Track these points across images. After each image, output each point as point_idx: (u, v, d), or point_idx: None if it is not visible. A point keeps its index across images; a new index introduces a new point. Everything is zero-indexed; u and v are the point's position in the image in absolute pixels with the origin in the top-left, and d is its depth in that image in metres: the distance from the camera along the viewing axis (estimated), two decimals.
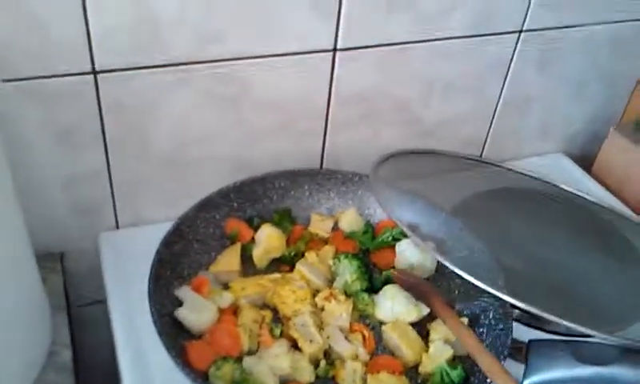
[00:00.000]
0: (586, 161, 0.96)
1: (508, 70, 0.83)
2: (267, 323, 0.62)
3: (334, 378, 0.59)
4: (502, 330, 0.61)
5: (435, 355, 0.60)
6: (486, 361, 0.57)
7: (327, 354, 0.61)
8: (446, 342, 0.62)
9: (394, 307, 0.64)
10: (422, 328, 0.64)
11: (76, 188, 0.69)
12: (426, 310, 0.65)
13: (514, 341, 0.60)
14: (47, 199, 0.68)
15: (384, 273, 0.69)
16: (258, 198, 0.73)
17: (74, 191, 0.69)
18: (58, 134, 0.65)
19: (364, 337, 0.63)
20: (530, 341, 0.61)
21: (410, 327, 0.64)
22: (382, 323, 0.65)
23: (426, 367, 0.60)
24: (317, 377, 0.59)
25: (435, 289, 0.67)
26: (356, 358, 0.61)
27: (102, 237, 0.72)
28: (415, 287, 0.66)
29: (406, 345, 0.61)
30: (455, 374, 0.58)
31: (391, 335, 0.62)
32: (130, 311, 0.63)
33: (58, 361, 0.60)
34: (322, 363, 0.60)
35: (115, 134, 0.67)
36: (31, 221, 0.57)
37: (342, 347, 0.61)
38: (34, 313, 0.59)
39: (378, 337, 0.64)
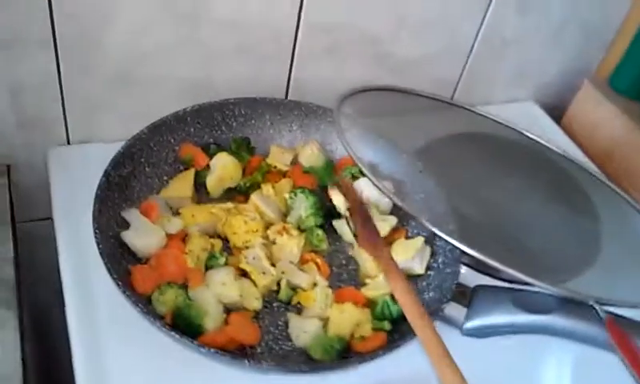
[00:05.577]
0: (557, 111, 0.95)
1: (488, 7, 0.80)
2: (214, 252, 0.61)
3: (298, 303, 0.60)
4: (448, 273, 0.62)
5: (381, 284, 0.61)
6: (411, 310, 0.54)
7: (279, 286, 0.61)
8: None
9: None
10: None
11: (25, 97, 0.65)
12: (394, 221, 0.66)
13: (461, 285, 0.61)
14: None
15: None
16: (217, 124, 0.71)
17: (22, 100, 0.65)
18: (2, 35, 0.60)
19: (317, 265, 0.63)
20: (475, 286, 0.62)
21: None
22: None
23: (369, 292, 0.61)
24: (279, 301, 0.60)
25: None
26: (314, 285, 0.61)
27: (52, 152, 0.69)
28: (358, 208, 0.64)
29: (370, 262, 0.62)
30: (396, 309, 0.58)
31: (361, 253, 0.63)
32: (76, 230, 0.62)
33: None
34: (284, 286, 0.60)
35: (67, 41, 0.63)
36: None
37: (299, 278, 0.61)
38: None
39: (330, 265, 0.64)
